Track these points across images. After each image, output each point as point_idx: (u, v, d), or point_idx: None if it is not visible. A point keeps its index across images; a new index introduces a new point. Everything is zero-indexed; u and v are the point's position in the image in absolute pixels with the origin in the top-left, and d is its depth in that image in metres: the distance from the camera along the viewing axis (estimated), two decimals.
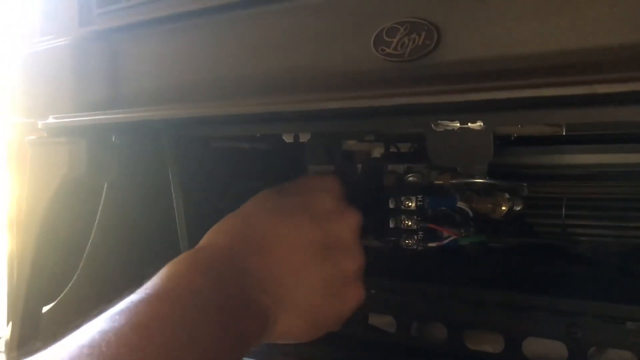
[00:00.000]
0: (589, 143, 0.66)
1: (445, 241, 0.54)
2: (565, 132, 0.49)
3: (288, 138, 0.63)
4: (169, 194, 0.65)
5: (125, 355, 0.30)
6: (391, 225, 0.54)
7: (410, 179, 0.57)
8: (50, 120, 0.56)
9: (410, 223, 0.53)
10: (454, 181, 0.57)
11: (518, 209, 0.62)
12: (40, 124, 0.57)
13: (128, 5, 0.56)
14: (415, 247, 0.53)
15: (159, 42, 0.56)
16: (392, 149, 0.78)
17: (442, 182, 0.57)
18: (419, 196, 0.53)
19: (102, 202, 0.70)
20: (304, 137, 0.61)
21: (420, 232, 0.53)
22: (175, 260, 0.39)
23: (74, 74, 0.59)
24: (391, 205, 0.54)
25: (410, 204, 0.53)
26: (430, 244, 0.53)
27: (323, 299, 0.43)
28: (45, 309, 0.72)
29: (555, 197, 0.69)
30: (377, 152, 0.87)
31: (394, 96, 0.40)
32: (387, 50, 0.44)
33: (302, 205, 0.45)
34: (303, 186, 0.49)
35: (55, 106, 0.61)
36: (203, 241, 0.44)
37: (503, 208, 0.60)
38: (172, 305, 0.35)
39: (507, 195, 0.60)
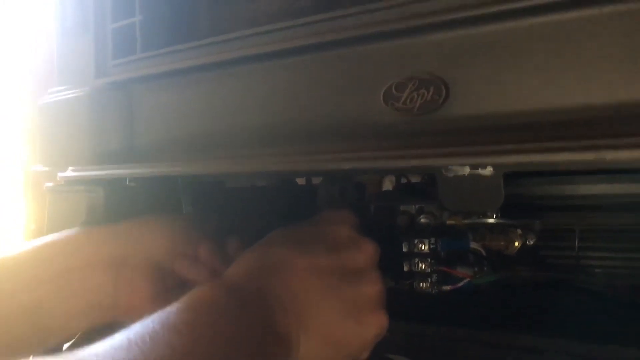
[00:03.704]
0: (601, 173, 0.66)
1: (460, 284, 0.54)
2: None
3: (300, 180, 0.64)
4: None
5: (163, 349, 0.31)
6: (405, 268, 0.55)
7: (423, 220, 0.58)
8: (69, 173, 0.57)
9: (423, 266, 0.54)
10: (466, 221, 0.57)
11: (531, 243, 0.62)
12: (59, 176, 0.58)
13: (143, 57, 0.57)
14: (430, 290, 0.54)
15: (174, 93, 0.57)
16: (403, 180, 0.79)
17: (454, 222, 0.58)
18: (432, 239, 0.54)
19: None
20: (317, 179, 0.62)
21: (435, 275, 0.54)
22: (199, 287, 0.40)
23: (90, 125, 0.61)
24: (404, 249, 0.55)
25: (423, 247, 0.54)
26: (445, 287, 0.54)
27: (344, 322, 0.43)
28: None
29: (567, 229, 0.69)
30: (389, 181, 0.87)
31: (408, 157, 0.41)
32: (397, 104, 0.45)
33: (319, 236, 0.47)
34: (319, 220, 0.51)
35: (72, 155, 0.62)
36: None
37: (516, 244, 0.60)
38: (197, 315, 0.36)
39: (519, 231, 0.60)
